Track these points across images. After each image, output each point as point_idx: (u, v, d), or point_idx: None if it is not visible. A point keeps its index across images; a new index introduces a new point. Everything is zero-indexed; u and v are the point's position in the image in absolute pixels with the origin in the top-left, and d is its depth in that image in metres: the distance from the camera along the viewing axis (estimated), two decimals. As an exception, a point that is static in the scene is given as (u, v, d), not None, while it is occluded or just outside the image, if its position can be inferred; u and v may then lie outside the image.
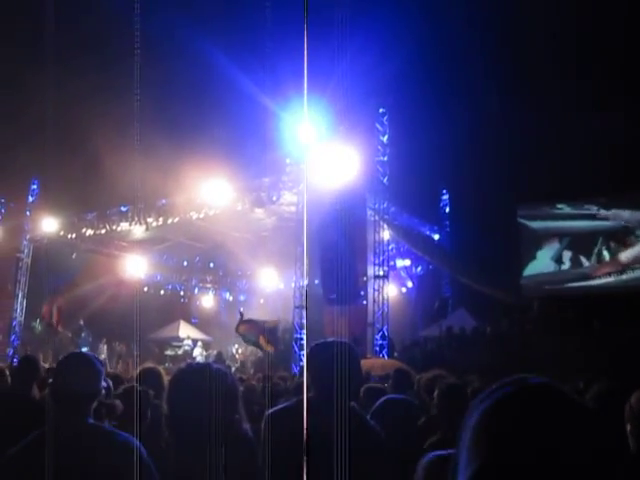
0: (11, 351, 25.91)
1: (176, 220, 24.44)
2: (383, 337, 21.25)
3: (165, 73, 18.96)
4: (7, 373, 6.42)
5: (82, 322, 26.55)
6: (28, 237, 27.53)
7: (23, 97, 19.68)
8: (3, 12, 19.98)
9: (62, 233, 26.26)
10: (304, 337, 20.98)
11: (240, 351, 27.76)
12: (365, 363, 15.03)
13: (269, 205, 23.00)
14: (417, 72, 23.05)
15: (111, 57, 19.07)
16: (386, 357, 20.42)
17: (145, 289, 31.43)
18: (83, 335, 26.35)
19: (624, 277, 24.37)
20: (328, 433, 3.03)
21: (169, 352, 27.97)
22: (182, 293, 35.22)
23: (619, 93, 23.19)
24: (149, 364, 6.55)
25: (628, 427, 3.06)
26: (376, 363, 15.85)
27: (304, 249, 22.24)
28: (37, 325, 27.98)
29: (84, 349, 27.07)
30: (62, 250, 26.98)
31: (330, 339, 3.56)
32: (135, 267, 28.04)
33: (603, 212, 24.75)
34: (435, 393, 4.90)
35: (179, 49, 19.43)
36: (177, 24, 19.53)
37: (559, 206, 25.76)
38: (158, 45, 17.67)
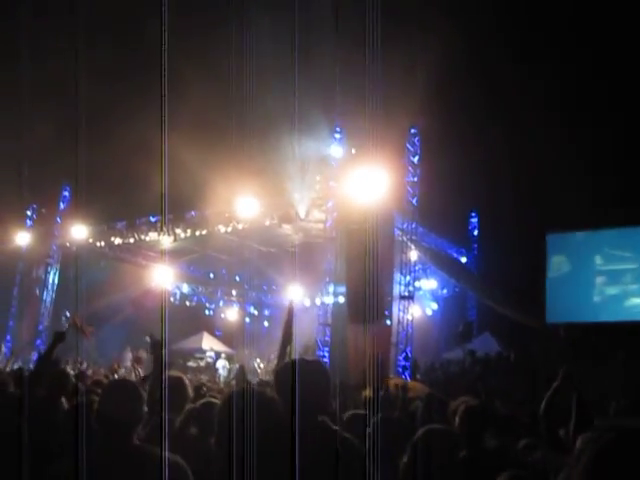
0: (36, 355, 26.07)
1: (204, 232, 24.56)
2: (406, 358, 21.14)
3: (198, 88, 19.05)
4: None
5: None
6: (58, 243, 27.80)
7: (57, 102, 19.87)
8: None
9: (91, 241, 26.47)
10: (327, 355, 20.94)
11: (262, 365, 27.73)
12: (388, 384, 14.94)
13: (297, 221, 23.02)
14: (450, 92, 22.96)
15: (141, 64, 19.22)
16: (409, 379, 20.29)
17: (171, 300, 31.56)
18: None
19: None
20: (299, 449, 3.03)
21: (191, 363, 27.97)
22: (207, 305, 35.31)
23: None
24: (174, 373, 6.46)
25: None
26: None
27: (331, 266, 22.23)
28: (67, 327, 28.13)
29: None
30: (90, 257, 27.21)
31: (300, 357, 3.57)
32: (162, 277, 28.13)
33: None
34: (457, 415, 4.84)
35: (211, 66, 19.52)
36: (212, 42, 19.65)
37: (590, 234, 25.48)
38: (190, 58, 17.78)
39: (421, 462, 3.70)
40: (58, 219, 27.85)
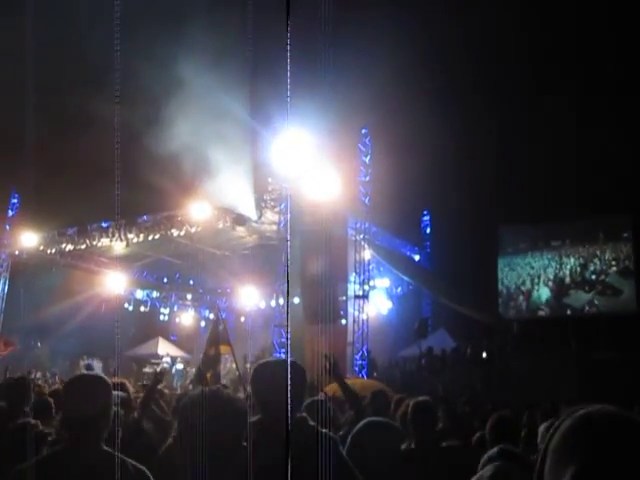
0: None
1: (157, 237, 24.33)
2: (363, 357, 21.23)
3: (147, 89, 18.91)
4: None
5: None
6: (7, 251, 27.30)
7: (4, 107, 19.57)
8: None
9: (42, 248, 26.02)
10: (283, 356, 20.92)
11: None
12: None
13: (250, 223, 22.97)
14: (400, 91, 23.12)
15: (93, 70, 19.03)
16: (365, 377, 20.38)
17: (125, 305, 31.27)
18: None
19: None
20: (284, 449, 3.06)
21: (147, 369, 27.68)
22: (162, 310, 35.00)
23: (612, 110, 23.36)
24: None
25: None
26: (355, 383, 15.79)
27: (285, 268, 22.21)
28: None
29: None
30: (41, 265, 26.80)
31: (272, 358, 3.64)
32: (115, 283, 27.85)
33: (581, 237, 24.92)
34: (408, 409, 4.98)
35: (161, 67, 19.39)
36: (159, 43, 19.53)
37: (540, 228, 25.87)
38: (139, 62, 17.60)
39: (360, 453, 3.77)
40: (7, 227, 27.35)
